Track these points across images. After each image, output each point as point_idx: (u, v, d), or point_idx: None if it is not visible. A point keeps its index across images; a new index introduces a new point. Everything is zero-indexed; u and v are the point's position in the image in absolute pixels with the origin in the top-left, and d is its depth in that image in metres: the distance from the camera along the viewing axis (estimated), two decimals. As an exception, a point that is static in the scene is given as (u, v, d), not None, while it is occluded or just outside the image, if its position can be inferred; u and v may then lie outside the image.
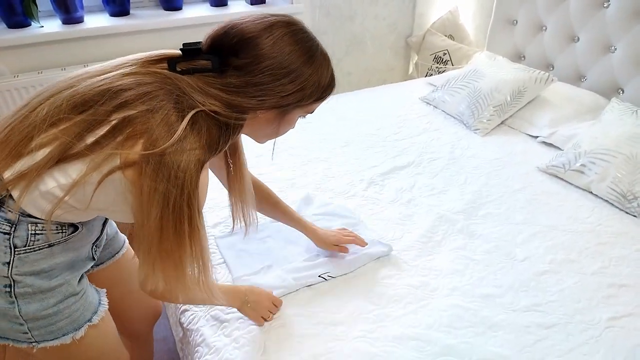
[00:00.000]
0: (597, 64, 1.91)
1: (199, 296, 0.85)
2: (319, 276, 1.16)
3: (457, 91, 2.04)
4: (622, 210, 1.43)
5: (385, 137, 1.87)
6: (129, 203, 0.73)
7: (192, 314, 1.12)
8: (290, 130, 0.89)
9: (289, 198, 1.49)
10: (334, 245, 1.20)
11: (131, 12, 2.20)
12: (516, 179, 1.60)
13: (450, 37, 2.74)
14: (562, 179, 1.58)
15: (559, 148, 1.73)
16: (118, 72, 0.75)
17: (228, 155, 0.98)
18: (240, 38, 0.74)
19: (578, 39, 1.96)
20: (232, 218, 1.06)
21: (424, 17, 2.87)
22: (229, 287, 1.07)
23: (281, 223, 1.25)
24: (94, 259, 0.95)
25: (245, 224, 1.08)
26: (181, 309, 1.17)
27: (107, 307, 0.96)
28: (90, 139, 0.71)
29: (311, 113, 0.87)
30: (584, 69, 1.98)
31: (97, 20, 2.11)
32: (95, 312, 0.92)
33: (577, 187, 1.54)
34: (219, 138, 0.76)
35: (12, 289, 0.78)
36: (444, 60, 2.71)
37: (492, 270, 1.21)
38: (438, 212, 1.42)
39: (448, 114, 2.06)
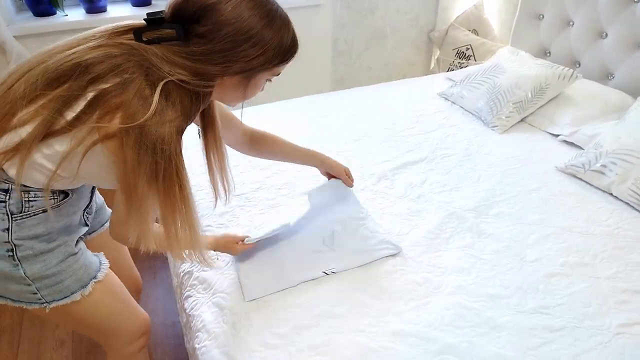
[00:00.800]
0: (625, 61, 1.83)
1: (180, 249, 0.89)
2: (323, 272, 1.16)
3: (476, 87, 1.99)
4: (644, 213, 1.37)
5: (399, 132, 1.84)
6: (114, 173, 0.76)
7: (194, 300, 1.14)
8: (259, 93, 0.90)
9: (297, 189, 1.49)
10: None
11: (153, 2, 2.23)
12: (533, 178, 1.55)
13: (474, 31, 2.67)
14: (581, 179, 1.53)
15: (580, 147, 1.67)
16: (86, 45, 0.77)
17: (203, 125, 0.98)
18: (201, 5, 0.75)
19: (606, 35, 1.88)
20: (213, 191, 1.04)
21: (447, 11, 2.81)
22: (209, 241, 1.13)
23: (284, 211, 1.32)
24: (87, 224, 1.00)
25: (226, 192, 1.07)
26: (185, 295, 1.19)
27: (109, 265, 1.01)
28: (70, 115, 0.74)
29: (277, 75, 0.88)
30: (611, 66, 1.90)
31: (120, 10, 2.15)
32: (99, 270, 0.97)
33: (597, 188, 1.48)
34: (192, 107, 0.78)
35: (15, 253, 0.83)
36: (466, 56, 2.64)
37: (500, 270, 1.18)
38: (448, 209, 1.39)
39: (466, 110, 2.01)
